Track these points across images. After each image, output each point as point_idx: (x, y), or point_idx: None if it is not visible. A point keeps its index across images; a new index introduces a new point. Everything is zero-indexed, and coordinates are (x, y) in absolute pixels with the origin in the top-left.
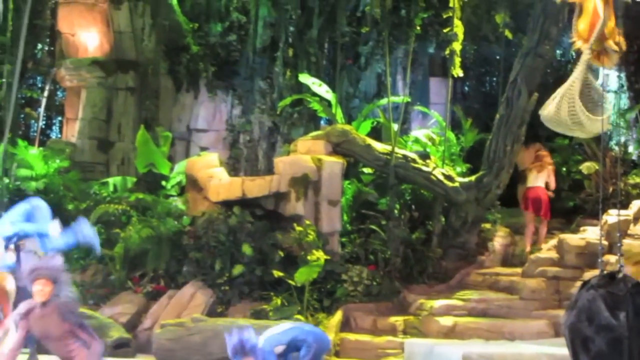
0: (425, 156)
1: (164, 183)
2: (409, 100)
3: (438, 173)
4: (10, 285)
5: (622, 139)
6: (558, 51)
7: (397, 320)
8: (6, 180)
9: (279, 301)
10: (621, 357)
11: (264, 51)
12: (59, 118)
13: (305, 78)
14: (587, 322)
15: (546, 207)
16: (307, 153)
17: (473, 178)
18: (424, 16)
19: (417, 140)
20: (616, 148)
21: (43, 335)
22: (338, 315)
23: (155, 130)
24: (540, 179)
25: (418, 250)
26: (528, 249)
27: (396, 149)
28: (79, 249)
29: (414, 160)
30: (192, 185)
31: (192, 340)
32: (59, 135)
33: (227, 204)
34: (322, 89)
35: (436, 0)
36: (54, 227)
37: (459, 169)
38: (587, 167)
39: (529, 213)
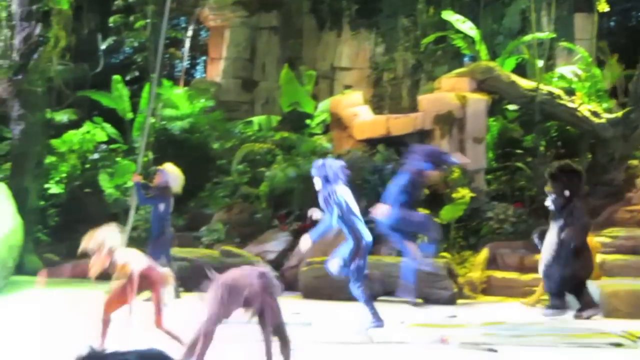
0: (571, 92)
1: (308, 121)
2: (554, 36)
3: (584, 109)
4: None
5: None
6: None
7: None
8: (152, 120)
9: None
10: None
11: None
12: (203, 58)
13: (448, 15)
14: None
15: None
16: (451, 90)
17: (620, 114)
18: None
19: (562, 77)
20: None
21: None
22: (484, 253)
23: (299, 68)
24: None
25: None
26: None
27: (541, 86)
28: None
29: (559, 97)
30: (336, 123)
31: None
32: (203, 75)
33: (372, 142)
34: (466, 26)
35: None
36: None
37: (605, 105)
38: None
39: None
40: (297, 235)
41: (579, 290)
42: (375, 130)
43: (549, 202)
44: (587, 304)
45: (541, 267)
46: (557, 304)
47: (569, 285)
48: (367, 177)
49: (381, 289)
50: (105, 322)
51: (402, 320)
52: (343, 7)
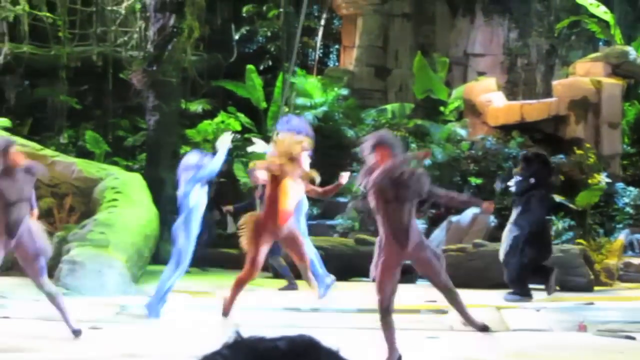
0: None
1: (442, 108)
2: None
3: None
4: None
5: None
6: None
7: None
8: (286, 109)
9: (559, 225)
10: None
11: None
12: (336, 46)
13: None
14: None
15: None
16: (585, 75)
17: None
18: None
19: None
20: None
21: None
22: (620, 239)
23: (432, 55)
24: None
25: None
26: None
27: None
28: None
29: None
30: (470, 110)
31: (473, 266)
32: (337, 64)
33: (506, 128)
34: (600, 10)
35: None
36: None
37: None
38: None
39: None
40: (432, 222)
41: (541, 273)
42: (510, 116)
43: (512, 183)
44: (546, 275)
45: (501, 256)
46: (519, 291)
47: (529, 272)
48: (501, 164)
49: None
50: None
51: (537, 308)
52: None
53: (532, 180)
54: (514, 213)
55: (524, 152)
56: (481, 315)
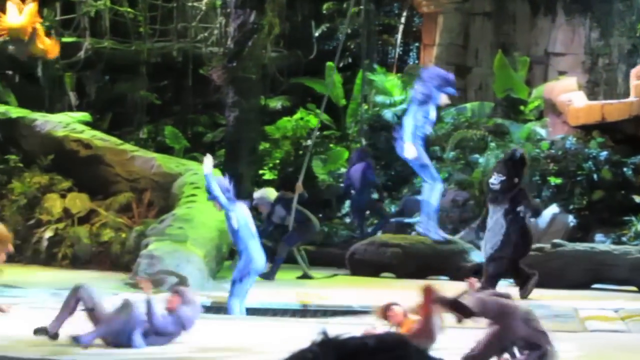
0: None
1: (522, 108)
2: None
3: None
4: None
5: None
6: None
7: None
8: (365, 107)
9: (639, 227)
10: None
11: None
12: (416, 44)
13: None
14: None
15: None
16: None
17: None
18: None
19: None
20: None
21: None
22: None
23: (513, 54)
24: None
25: None
26: None
27: None
28: None
29: None
30: (550, 109)
31: (551, 266)
32: (416, 61)
33: (586, 128)
34: None
35: None
36: None
37: None
38: None
39: None
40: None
41: (516, 270)
42: (590, 116)
43: (494, 181)
44: (526, 278)
45: (487, 251)
46: (489, 286)
47: (513, 266)
48: (581, 164)
49: (592, 277)
50: None
51: (615, 309)
52: None
53: (516, 179)
54: (496, 211)
55: (509, 151)
56: (559, 315)
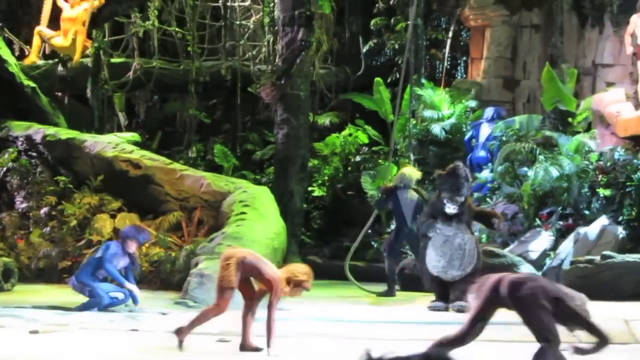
0: None
1: (570, 120)
2: None
3: None
4: None
5: None
6: None
7: None
8: (413, 122)
9: None
10: None
11: None
12: (464, 58)
13: None
14: None
15: None
16: None
17: None
18: None
19: None
20: None
21: None
22: None
23: (561, 66)
24: None
25: None
26: None
27: None
28: None
29: None
30: (599, 121)
31: (602, 278)
32: (464, 75)
33: (635, 139)
34: None
35: None
36: None
37: None
38: None
39: None
40: (560, 234)
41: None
42: (639, 127)
43: (453, 207)
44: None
45: (457, 272)
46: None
47: None
48: (631, 175)
49: None
50: None
51: None
52: (605, 3)
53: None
54: (454, 229)
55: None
56: (609, 327)
